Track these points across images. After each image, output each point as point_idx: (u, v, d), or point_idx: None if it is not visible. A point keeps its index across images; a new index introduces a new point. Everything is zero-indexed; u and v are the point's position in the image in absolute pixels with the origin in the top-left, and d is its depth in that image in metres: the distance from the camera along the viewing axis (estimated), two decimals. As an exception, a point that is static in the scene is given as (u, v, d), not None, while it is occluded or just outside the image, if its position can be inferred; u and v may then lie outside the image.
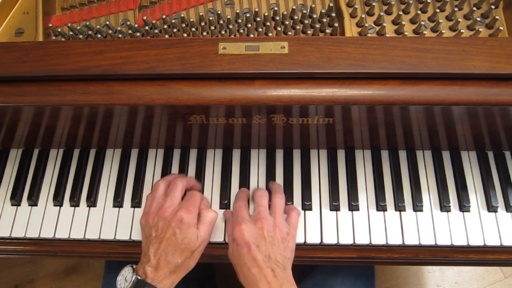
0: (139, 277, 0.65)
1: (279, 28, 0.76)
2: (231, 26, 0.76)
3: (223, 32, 0.77)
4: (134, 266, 0.68)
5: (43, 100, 0.65)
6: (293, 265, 0.69)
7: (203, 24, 0.77)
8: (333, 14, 0.77)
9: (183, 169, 0.81)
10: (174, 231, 0.66)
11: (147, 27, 0.77)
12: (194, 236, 0.68)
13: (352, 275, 0.87)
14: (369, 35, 0.76)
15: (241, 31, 0.77)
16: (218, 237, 0.75)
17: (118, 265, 0.91)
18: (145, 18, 0.77)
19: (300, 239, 0.74)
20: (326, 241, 0.74)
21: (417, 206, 0.76)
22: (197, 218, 0.70)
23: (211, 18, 0.77)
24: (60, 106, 0.67)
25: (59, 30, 0.79)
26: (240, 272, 0.66)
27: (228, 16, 0.78)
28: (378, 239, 0.74)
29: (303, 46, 0.64)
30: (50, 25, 0.79)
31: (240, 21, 0.77)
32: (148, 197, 0.75)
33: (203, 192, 0.79)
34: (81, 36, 0.79)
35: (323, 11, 0.77)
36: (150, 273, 0.65)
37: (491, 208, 0.76)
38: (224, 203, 0.77)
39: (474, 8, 0.77)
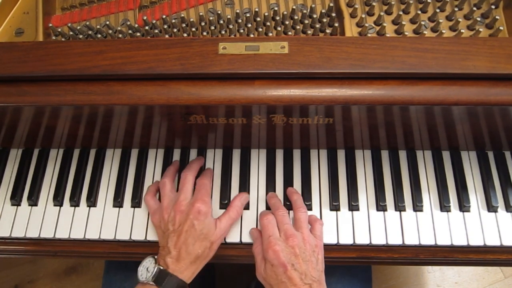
0: (161, 267, 0.66)
1: (279, 28, 0.76)
2: (231, 26, 0.76)
3: (223, 32, 0.77)
4: (155, 257, 0.69)
5: (43, 100, 0.65)
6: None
7: (203, 24, 0.77)
8: (333, 14, 0.77)
9: (183, 169, 0.80)
10: (192, 222, 0.68)
11: (147, 27, 0.77)
12: (212, 225, 0.69)
13: (349, 274, 0.87)
14: (369, 35, 0.76)
15: (241, 31, 0.77)
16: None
17: (118, 265, 0.91)
18: (145, 18, 0.77)
19: (300, 239, 0.74)
20: (326, 241, 0.74)
21: (417, 206, 0.76)
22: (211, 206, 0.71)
23: (211, 18, 0.77)
24: (60, 106, 0.67)
25: (59, 30, 0.79)
26: None
27: (228, 16, 0.78)
28: (378, 239, 0.74)
29: (303, 46, 0.64)
30: (50, 25, 0.79)
31: (240, 21, 0.77)
32: (148, 199, 0.75)
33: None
34: (81, 36, 0.79)
35: (323, 11, 0.77)
36: (171, 264, 0.66)
37: (491, 208, 0.76)
38: (224, 203, 0.77)
39: (474, 8, 0.76)
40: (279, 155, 0.82)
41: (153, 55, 0.64)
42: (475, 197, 0.77)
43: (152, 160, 0.82)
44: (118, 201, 0.79)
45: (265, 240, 0.69)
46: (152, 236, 0.76)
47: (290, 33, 0.77)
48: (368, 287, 0.90)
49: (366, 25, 0.75)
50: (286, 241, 0.68)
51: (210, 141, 0.80)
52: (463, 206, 0.76)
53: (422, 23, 0.75)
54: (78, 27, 0.79)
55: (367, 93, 0.63)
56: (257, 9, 0.77)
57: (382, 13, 0.76)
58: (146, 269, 0.67)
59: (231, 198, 0.78)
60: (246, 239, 0.75)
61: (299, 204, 0.74)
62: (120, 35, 0.78)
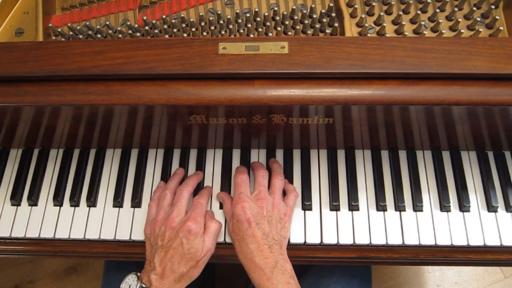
0: (143, 285, 0.66)
1: (279, 28, 0.76)
2: (231, 26, 0.76)
3: (223, 32, 0.77)
4: (138, 274, 0.68)
5: (43, 100, 0.65)
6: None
7: (203, 24, 0.77)
8: (333, 14, 0.77)
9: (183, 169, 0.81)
10: (181, 241, 0.67)
11: (147, 27, 0.77)
12: (200, 246, 0.69)
13: (348, 274, 0.87)
14: (369, 35, 0.76)
15: (241, 31, 0.77)
16: (219, 238, 0.74)
17: (117, 265, 0.91)
18: (145, 18, 0.77)
19: (300, 239, 0.74)
20: (326, 241, 0.74)
21: (417, 206, 0.76)
22: (204, 227, 0.71)
23: (211, 18, 0.77)
24: (60, 106, 0.67)
25: (59, 30, 0.79)
26: (238, 247, 0.69)
27: (228, 16, 0.78)
28: (378, 239, 0.74)
29: (303, 46, 0.64)
30: (50, 25, 0.79)
31: (240, 21, 0.77)
32: (152, 206, 0.75)
33: (203, 192, 0.79)
34: (81, 36, 0.79)
35: (323, 11, 0.77)
36: (155, 281, 0.66)
37: (491, 208, 0.76)
38: (224, 203, 0.77)
39: (474, 8, 0.76)
40: (279, 155, 0.82)
41: (153, 55, 0.64)
42: (475, 197, 0.77)
43: (152, 160, 0.82)
44: (118, 201, 0.79)
45: (236, 196, 0.72)
46: (152, 236, 0.76)
47: (290, 33, 0.77)
48: (368, 287, 0.90)
49: (366, 25, 0.75)
50: (256, 201, 0.71)
51: (210, 141, 0.80)
52: (463, 206, 0.75)
53: (422, 23, 0.75)
54: (78, 27, 0.79)
55: (367, 93, 0.63)
56: (257, 9, 0.77)
57: (382, 13, 0.76)
58: (129, 286, 0.67)
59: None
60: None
61: (277, 172, 0.76)
62: (120, 35, 0.78)
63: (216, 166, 0.81)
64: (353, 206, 0.76)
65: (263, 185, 0.73)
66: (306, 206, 0.76)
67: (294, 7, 0.78)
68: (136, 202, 0.78)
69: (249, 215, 0.68)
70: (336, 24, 0.77)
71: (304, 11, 0.77)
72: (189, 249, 0.67)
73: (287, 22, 0.76)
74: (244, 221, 0.68)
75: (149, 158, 0.83)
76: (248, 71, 0.63)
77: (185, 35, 0.77)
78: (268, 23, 0.77)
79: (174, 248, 0.67)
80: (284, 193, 0.76)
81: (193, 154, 0.83)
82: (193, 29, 0.76)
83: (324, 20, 0.76)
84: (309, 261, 0.77)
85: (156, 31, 0.77)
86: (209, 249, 0.70)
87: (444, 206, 0.76)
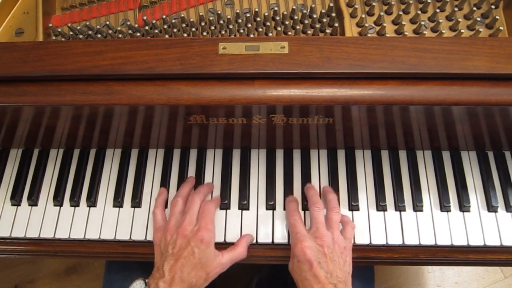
0: None
1: (279, 28, 0.76)
2: (231, 26, 0.76)
3: (223, 32, 0.77)
4: (146, 280, 0.67)
5: (43, 100, 0.65)
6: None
7: (203, 24, 0.77)
8: (333, 14, 0.77)
9: (183, 169, 0.81)
10: (193, 250, 0.66)
11: (147, 27, 0.77)
12: (212, 256, 0.68)
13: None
14: (369, 35, 0.76)
15: (241, 31, 0.77)
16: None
17: (119, 265, 0.91)
18: (145, 18, 0.77)
19: (300, 239, 0.74)
20: (326, 241, 0.74)
21: (417, 206, 0.76)
22: (215, 235, 0.70)
23: (211, 18, 0.77)
24: (60, 106, 0.67)
25: (59, 30, 0.79)
26: (301, 287, 0.66)
27: (228, 16, 0.78)
28: (378, 239, 0.74)
29: (303, 46, 0.64)
30: (50, 25, 0.79)
31: (240, 21, 0.77)
32: (156, 213, 0.74)
33: (203, 192, 0.79)
34: (81, 36, 0.79)
35: (323, 11, 0.77)
36: None
37: (491, 208, 0.75)
38: (224, 203, 0.77)
39: (474, 8, 0.76)
40: (279, 155, 0.82)
41: (153, 55, 0.64)
42: (475, 197, 0.77)
43: (152, 160, 0.82)
44: (118, 201, 0.79)
45: (293, 236, 0.69)
46: (152, 237, 0.75)
47: (290, 33, 0.77)
48: (370, 287, 0.90)
49: (366, 25, 0.75)
50: (315, 239, 0.67)
51: (210, 141, 0.80)
52: (463, 206, 0.75)
53: (422, 23, 0.75)
54: (78, 27, 0.79)
55: (367, 93, 0.63)
56: (257, 9, 0.77)
57: (382, 13, 0.76)
58: None
59: (231, 199, 0.78)
60: (246, 239, 0.75)
61: (333, 204, 0.73)
62: (120, 35, 0.78)
63: (216, 166, 0.81)
64: (353, 206, 0.76)
65: (320, 221, 0.70)
66: (306, 206, 0.76)
67: (294, 7, 0.78)
68: (136, 202, 0.78)
69: (309, 255, 0.65)
70: (336, 24, 0.77)
71: (304, 11, 0.77)
72: (201, 258, 0.66)
73: (287, 22, 0.76)
74: (305, 262, 0.65)
75: (149, 158, 0.83)
76: (248, 71, 0.63)
77: (185, 35, 0.77)
78: (268, 23, 0.77)
79: (184, 257, 0.66)
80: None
81: (193, 154, 0.83)
82: (193, 29, 0.76)
83: (324, 20, 0.76)
84: (309, 261, 0.77)
85: (156, 31, 0.77)
86: (223, 267, 0.69)
87: (444, 206, 0.76)
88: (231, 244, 0.73)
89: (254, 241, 0.75)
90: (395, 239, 0.74)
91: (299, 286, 0.67)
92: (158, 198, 0.77)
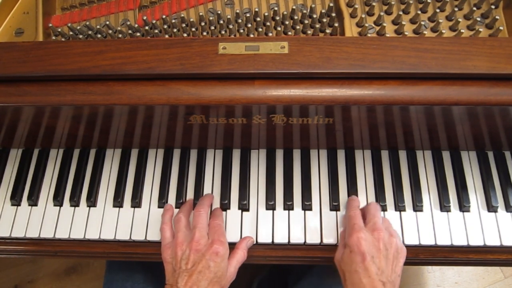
0: None
1: (279, 28, 0.76)
2: (231, 26, 0.76)
3: (223, 32, 0.77)
4: None
5: (43, 100, 0.65)
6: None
7: (203, 24, 0.77)
8: (333, 14, 0.77)
9: (183, 169, 0.81)
10: (208, 263, 0.65)
11: (147, 27, 0.77)
12: (226, 269, 0.67)
13: None
14: (369, 35, 0.76)
15: (241, 31, 0.77)
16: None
17: (119, 265, 0.91)
18: (145, 18, 0.77)
19: (300, 240, 0.74)
20: (326, 241, 0.74)
21: (417, 206, 0.76)
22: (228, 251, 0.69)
23: (211, 18, 0.77)
24: (60, 106, 0.67)
25: (59, 30, 0.79)
26: (348, 278, 0.64)
27: (228, 16, 0.78)
28: (378, 239, 0.74)
29: (303, 46, 0.64)
30: (50, 25, 0.79)
31: (240, 21, 0.77)
32: (165, 229, 0.72)
33: (202, 193, 0.79)
34: (81, 36, 0.79)
35: (323, 11, 0.77)
36: None
37: (491, 208, 0.75)
38: (224, 203, 0.77)
39: (474, 8, 0.77)
40: (279, 155, 0.82)
41: (153, 55, 0.64)
42: (475, 197, 0.77)
43: (152, 160, 0.82)
44: (118, 201, 0.79)
45: (350, 226, 0.68)
46: (152, 236, 0.76)
47: (290, 33, 0.77)
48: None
49: (366, 25, 0.75)
50: (372, 232, 0.66)
51: (210, 141, 0.80)
52: (463, 206, 0.75)
53: (422, 23, 0.75)
54: (78, 27, 0.79)
55: (367, 93, 0.63)
56: (257, 9, 0.77)
57: (382, 13, 0.76)
58: None
59: (231, 199, 0.78)
60: (246, 239, 0.75)
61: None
62: (120, 35, 0.78)
63: (216, 166, 0.81)
64: (353, 206, 0.76)
65: (377, 216, 0.69)
66: (306, 206, 0.76)
67: (294, 7, 0.78)
68: (136, 202, 0.78)
69: (364, 247, 0.63)
70: (336, 24, 0.77)
71: (304, 11, 0.77)
72: (216, 272, 0.65)
73: (287, 22, 0.76)
74: (358, 253, 0.63)
75: (149, 158, 0.83)
76: (248, 71, 0.63)
77: (185, 35, 0.77)
78: (268, 23, 0.77)
79: (199, 271, 0.64)
80: None
81: (193, 154, 0.83)
82: (193, 29, 0.77)
83: (324, 20, 0.76)
84: (309, 261, 0.77)
85: (156, 31, 0.77)
86: (233, 277, 0.69)
87: (444, 206, 0.76)
88: (231, 244, 0.73)
89: (254, 241, 0.75)
90: (395, 239, 0.74)
91: (344, 278, 0.65)
92: (165, 215, 0.74)
